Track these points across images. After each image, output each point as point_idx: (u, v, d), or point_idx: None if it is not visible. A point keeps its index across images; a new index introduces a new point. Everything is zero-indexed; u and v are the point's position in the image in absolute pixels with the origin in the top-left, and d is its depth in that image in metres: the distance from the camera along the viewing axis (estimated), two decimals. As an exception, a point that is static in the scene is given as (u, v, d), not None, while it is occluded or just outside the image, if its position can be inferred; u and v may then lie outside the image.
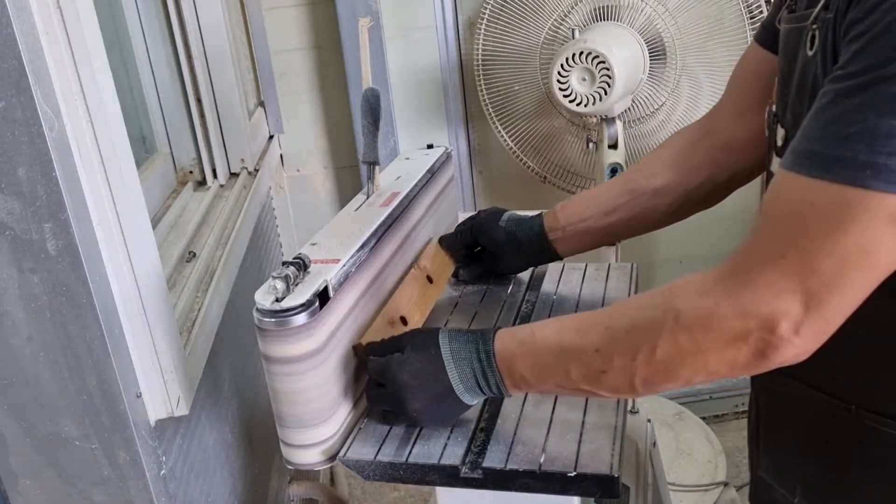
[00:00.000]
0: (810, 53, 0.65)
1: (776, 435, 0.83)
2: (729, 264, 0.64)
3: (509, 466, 0.77)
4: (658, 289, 0.69)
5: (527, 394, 0.88)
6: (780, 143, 0.72)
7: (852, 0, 0.58)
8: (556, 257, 1.08)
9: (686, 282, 0.67)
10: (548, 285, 1.15)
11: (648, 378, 0.68)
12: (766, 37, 0.87)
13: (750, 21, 1.65)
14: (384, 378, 0.82)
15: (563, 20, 1.74)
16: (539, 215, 1.07)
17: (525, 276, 1.17)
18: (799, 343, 0.60)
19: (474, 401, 0.82)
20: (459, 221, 1.18)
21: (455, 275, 1.16)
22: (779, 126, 0.73)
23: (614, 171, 1.70)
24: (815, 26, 0.64)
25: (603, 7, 1.70)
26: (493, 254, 1.11)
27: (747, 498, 0.93)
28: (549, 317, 1.06)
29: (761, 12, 1.65)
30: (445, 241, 1.15)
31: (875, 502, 0.73)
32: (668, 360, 0.66)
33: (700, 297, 0.64)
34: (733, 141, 0.94)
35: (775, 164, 0.74)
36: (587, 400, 0.85)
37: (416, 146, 1.27)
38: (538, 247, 1.06)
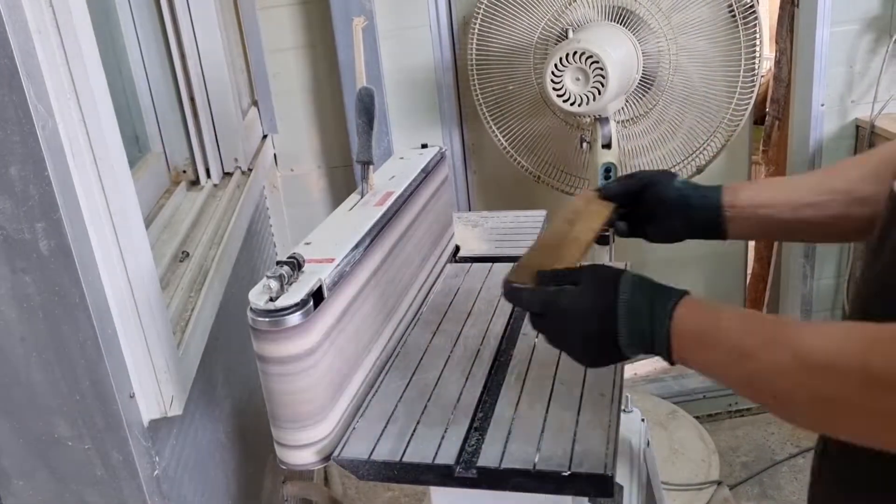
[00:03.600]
0: None
1: (844, 454, 0.75)
2: None
3: (503, 466, 0.77)
4: (859, 327, 0.60)
5: (520, 394, 0.88)
6: None
7: None
8: (722, 236, 0.96)
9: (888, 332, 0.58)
10: (542, 285, 1.15)
11: (816, 422, 0.62)
12: None
13: (742, 21, 1.66)
14: (548, 309, 0.76)
15: (556, 20, 1.74)
16: (719, 187, 0.95)
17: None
18: None
19: (635, 355, 0.75)
20: (454, 222, 1.18)
21: (611, 224, 1.02)
22: None
23: (608, 170, 1.70)
24: None
25: (597, 7, 1.71)
26: (651, 215, 0.98)
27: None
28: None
29: (753, 13, 1.66)
30: (608, 190, 1.01)
31: None
32: (851, 417, 0.58)
33: None
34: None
35: None
36: (581, 399, 0.85)
37: (410, 146, 1.26)
38: (709, 219, 0.95)
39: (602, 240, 1.75)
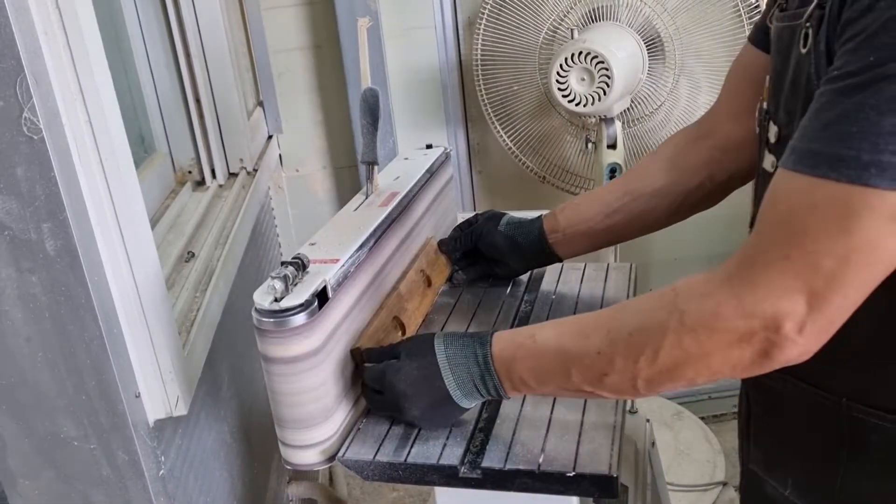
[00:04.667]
0: (803, 51, 0.65)
1: (766, 428, 0.83)
2: (732, 265, 0.64)
3: (508, 466, 0.77)
4: (660, 290, 0.69)
5: (525, 395, 0.88)
6: (772, 139, 0.73)
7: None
8: (557, 259, 1.08)
9: (689, 283, 0.67)
10: (546, 286, 1.15)
11: (651, 379, 0.68)
12: (759, 37, 0.88)
13: (748, 21, 1.65)
14: (381, 385, 0.82)
15: (562, 20, 1.74)
16: (538, 218, 1.07)
17: (523, 276, 1.17)
18: (802, 342, 0.61)
19: (472, 404, 0.82)
20: (458, 222, 1.18)
21: (450, 279, 1.16)
22: (771, 123, 0.74)
23: (613, 171, 1.70)
24: (808, 24, 0.65)
25: (602, 7, 1.70)
26: (492, 261, 1.11)
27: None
28: (548, 318, 1.06)
29: (759, 13, 1.65)
30: (444, 246, 1.15)
31: (865, 495, 0.74)
32: (672, 361, 0.66)
33: (704, 299, 0.64)
34: (730, 141, 0.94)
35: (767, 161, 0.74)
36: (586, 400, 0.85)
37: (415, 146, 1.27)
38: (538, 250, 1.06)
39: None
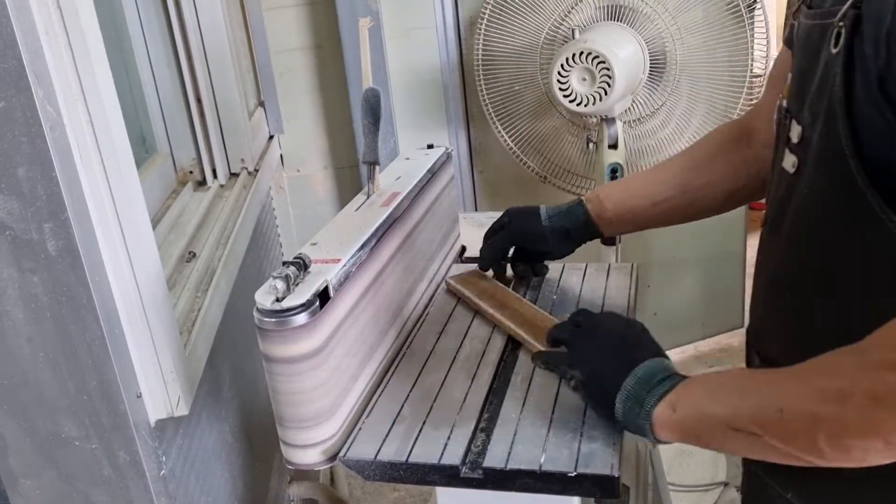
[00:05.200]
0: (833, 51, 0.64)
1: None
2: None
3: (509, 466, 0.77)
4: (845, 347, 0.62)
5: (526, 395, 0.88)
6: (794, 139, 0.72)
7: None
8: (600, 237, 1.11)
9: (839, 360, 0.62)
10: (548, 286, 1.15)
11: (836, 430, 0.61)
12: (788, 36, 0.87)
13: (749, 20, 1.65)
14: (585, 322, 0.88)
15: (563, 20, 1.74)
16: (580, 203, 1.09)
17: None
18: None
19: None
20: (458, 223, 1.18)
21: (511, 279, 1.17)
22: (793, 122, 0.73)
23: (614, 171, 1.70)
24: (841, 24, 0.63)
25: (603, 7, 1.70)
26: (539, 253, 1.13)
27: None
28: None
29: (759, 11, 1.65)
30: (484, 262, 1.15)
31: (868, 499, 0.73)
32: (863, 409, 0.59)
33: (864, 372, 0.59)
34: (772, 140, 0.94)
35: (788, 161, 0.73)
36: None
37: (416, 146, 1.26)
38: (585, 234, 1.09)
39: (608, 240, 1.76)
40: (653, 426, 0.74)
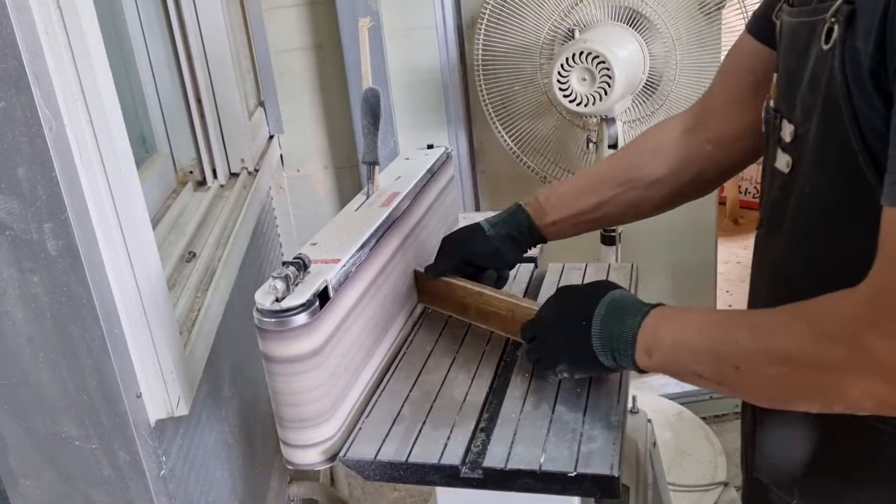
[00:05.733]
0: (825, 48, 0.63)
1: (774, 437, 0.82)
2: (871, 290, 0.60)
3: (509, 466, 0.77)
4: (804, 301, 0.65)
5: (526, 395, 0.88)
6: (787, 139, 0.72)
7: None
8: (543, 242, 1.09)
9: (830, 301, 0.63)
10: (548, 286, 1.15)
11: (782, 389, 0.65)
12: (760, 29, 0.86)
13: (747, 17, 1.65)
14: (535, 328, 0.87)
15: (563, 20, 1.74)
16: (520, 209, 1.06)
17: (525, 277, 1.17)
18: None
19: (611, 365, 0.81)
20: (459, 224, 1.18)
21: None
22: (783, 122, 0.72)
23: (614, 171, 1.70)
24: (833, 19, 0.63)
25: (603, 7, 1.70)
26: (494, 266, 1.07)
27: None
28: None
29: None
30: (436, 271, 1.06)
31: None
32: (807, 375, 0.63)
33: (849, 321, 0.60)
34: (723, 135, 0.93)
35: (781, 160, 0.73)
36: (587, 400, 0.85)
37: (416, 146, 1.27)
38: (530, 238, 1.06)
39: (608, 240, 1.76)
40: (636, 365, 0.78)
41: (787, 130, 0.72)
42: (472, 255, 1.05)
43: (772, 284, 0.80)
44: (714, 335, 0.71)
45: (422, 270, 1.06)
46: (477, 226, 1.06)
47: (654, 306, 0.78)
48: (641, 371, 0.78)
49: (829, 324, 0.62)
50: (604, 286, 0.84)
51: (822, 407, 0.64)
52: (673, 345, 0.74)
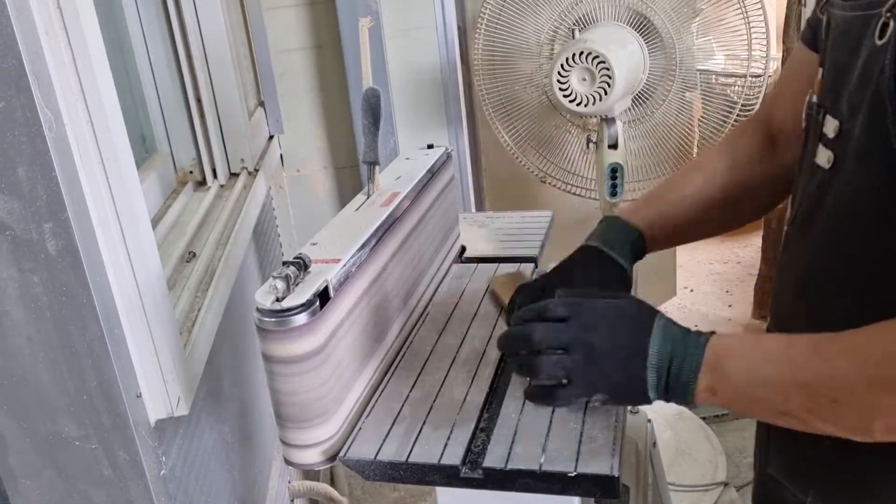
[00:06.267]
0: (879, 42, 0.62)
1: (791, 433, 0.78)
2: None
3: (509, 466, 0.77)
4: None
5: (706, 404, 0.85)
6: (831, 134, 0.69)
7: None
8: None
9: None
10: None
11: (886, 417, 0.60)
12: (808, 35, 0.85)
13: (749, 21, 1.65)
14: (563, 341, 0.73)
15: (562, 20, 1.74)
16: (631, 239, 0.93)
17: (525, 276, 1.17)
18: None
19: (656, 398, 0.73)
20: (459, 225, 1.16)
21: None
22: (827, 117, 0.71)
23: (615, 171, 1.70)
24: (889, 14, 0.61)
25: (603, 6, 1.70)
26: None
27: (750, 497, 0.92)
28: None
29: (760, 8, 1.65)
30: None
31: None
32: None
33: None
34: (792, 141, 0.88)
35: (823, 156, 0.71)
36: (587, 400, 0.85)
37: (416, 146, 1.26)
38: (634, 259, 0.96)
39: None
40: (692, 401, 0.70)
41: (831, 126, 0.69)
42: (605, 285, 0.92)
43: (801, 281, 0.77)
44: (803, 366, 0.64)
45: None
46: (599, 269, 0.92)
47: (709, 335, 0.70)
48: (692, 405, 0.74)
49: None
50: (645, 308, 0.74)
51: None
52: (748, 381, 0.67)
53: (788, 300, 0.80)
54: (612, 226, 0.95)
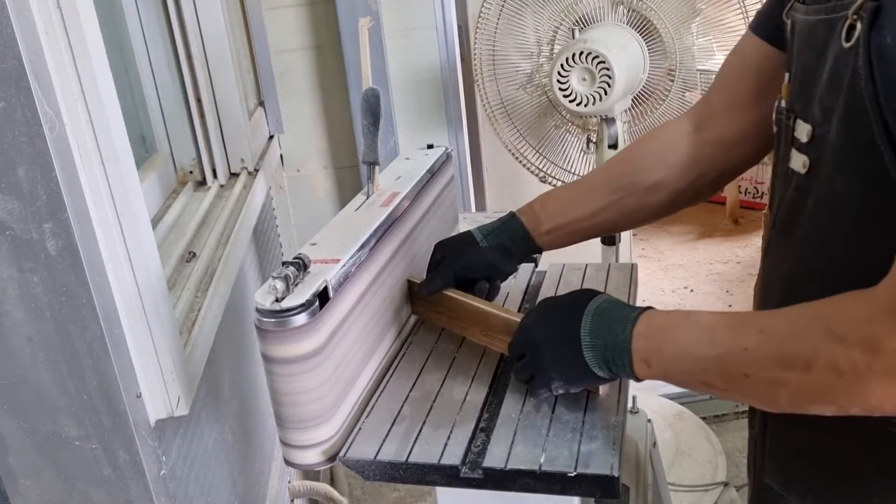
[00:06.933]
0: (846, 45, 0.62)
1: (785, 441, 0.80)
2: (888, 293, 0.59)
3: (509, 466, 0.77)
4: (809, 304, 0.64)
5: (526, 395, 0.88)
6: (804, 139, 0.70)
7: None
8: (538, 252, 1.04)
9: (842, 304, 0.62)
10: (547, 286, 1.15)
11: (799, 394, 0.64)
12: (768, 29, 0.84)
13: (749, 18, 1.65)
14: (524, 345, 0.84)
15: (562, 20, 1.74)
16: (514, 217, 1.02)
17: (524, 277, 1.17)
18: None
19: (606, 376, 0.79)
20: (459, 224, 1.17)
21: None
22: (798, 122, 0.71)
23: (614, 171, 1.70)
24: (855, 16, 0.61)
25: (603, 7, 1.70)
26: (484, 277, 1.02)
27: (747, 501, 0.91)
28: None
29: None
30: (430, 290, 1.01)
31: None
32: (823, 380, 0.61)
33: (863, 325, 0.59)
34: (726, 136, 0.91)
35: (797, 161, 0.72)
36: (587, 400, 0.85)
37: (416, 146, 1.27)
38: (524, 248, 1.02)
39: (608, 240, 1.76)
40: (634, 375, 0.76)
41: (804, 130, 0.70)
42: (466, 269, 1.00)
43: (787, 285, 0.78)
44: (720, 342, 0.69)
45: (415, 281, 1.03)
46: (469, 236, 1.02)
47: (642, 311, 0.76)
48: (639, 380, 0.77)
49: (845, 326, 0.60)
50: (585, 295, 0.81)
51: (839, 411, 0.63)
52: (674, 354, 0.72)
53: (773, 303, 0.81)
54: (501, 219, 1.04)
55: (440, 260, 1.02)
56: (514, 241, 1.01)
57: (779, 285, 0.80)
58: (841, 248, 0.69)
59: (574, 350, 0.78)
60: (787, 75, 0.75)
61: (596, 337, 0.77)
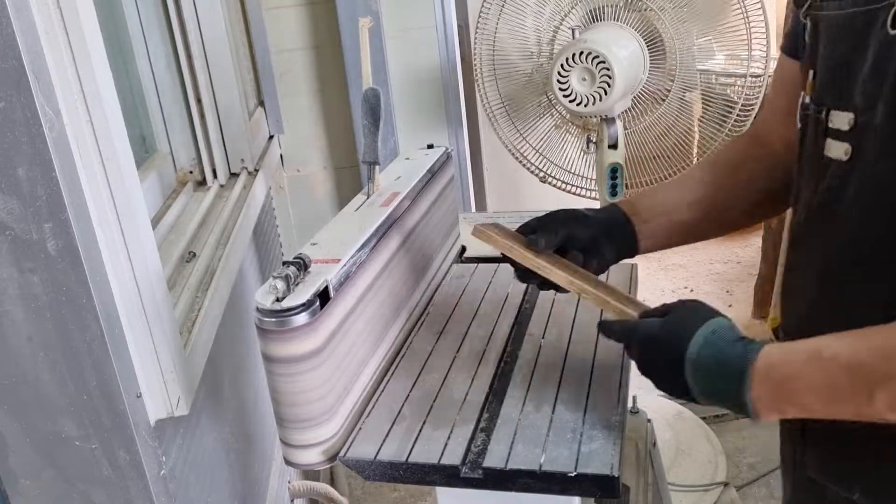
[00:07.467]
0: (893, 32, 0.64)
1: (829, 431, 0.78)
2: None
3: (510, 466, 0.77)
4: None
5: (526, 395, 0.87)
6: (846, 126, 0.72)
7: None
8: (637, 250, 0.97)
9: None
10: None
11: None
12: (789, 46, 0.87)
13: (749, 21, 1.65)
14: (629, 339, 0.81)
15: (563, 20, 1.74)
16: (616, 207, 0.97)
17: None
18: None
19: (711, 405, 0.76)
20: (459, 224, 1.17)
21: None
22: (831, 112, 0.73)
23: (615, 171, 1.70)
24: None
25: (603, 7, 1.70)
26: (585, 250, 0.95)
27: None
28: (549, 317, 1.06)
29: (761, 10, 1.65)
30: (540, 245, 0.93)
31: None
32: None
33: None
34: (783, 142, 0.90)
35: (836, 149, 0.73)
36: (587, 400, 0.85)
37: (416, 146, 1.27)
38: (623, 232, 0.96)
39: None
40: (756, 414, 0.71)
41: (844, 119, 0.71)
42: (573, 239, 0.93)
43: (823, 273, 0.77)
44: (872, 368, 0.64)
45: (488, 226, 0.94)
46: (576, 210, 0.96)
47: (754, 359, 0.70)
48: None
49: None
50: (683, 332, 0.76)
51: None
52: (801, 406, 0.69)
53: (808, 295, 0.80)
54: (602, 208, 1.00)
55: (546, 223, 0.94)
56: (614, 223, 0.95)
57: (813, 276, 0.79)
58: (884, 229, 0.69)
59: (680, 386, 0.75)
60: (810, 72, 0.77)
61: (705, 383, 0.73)
